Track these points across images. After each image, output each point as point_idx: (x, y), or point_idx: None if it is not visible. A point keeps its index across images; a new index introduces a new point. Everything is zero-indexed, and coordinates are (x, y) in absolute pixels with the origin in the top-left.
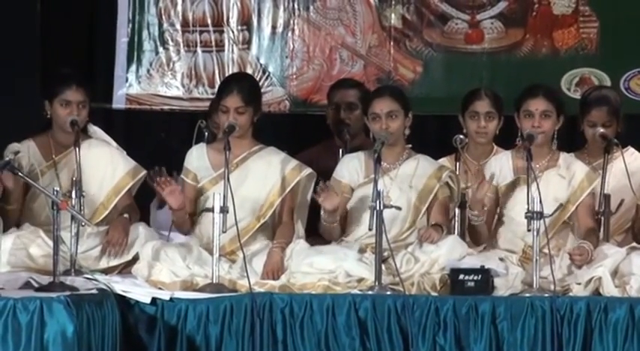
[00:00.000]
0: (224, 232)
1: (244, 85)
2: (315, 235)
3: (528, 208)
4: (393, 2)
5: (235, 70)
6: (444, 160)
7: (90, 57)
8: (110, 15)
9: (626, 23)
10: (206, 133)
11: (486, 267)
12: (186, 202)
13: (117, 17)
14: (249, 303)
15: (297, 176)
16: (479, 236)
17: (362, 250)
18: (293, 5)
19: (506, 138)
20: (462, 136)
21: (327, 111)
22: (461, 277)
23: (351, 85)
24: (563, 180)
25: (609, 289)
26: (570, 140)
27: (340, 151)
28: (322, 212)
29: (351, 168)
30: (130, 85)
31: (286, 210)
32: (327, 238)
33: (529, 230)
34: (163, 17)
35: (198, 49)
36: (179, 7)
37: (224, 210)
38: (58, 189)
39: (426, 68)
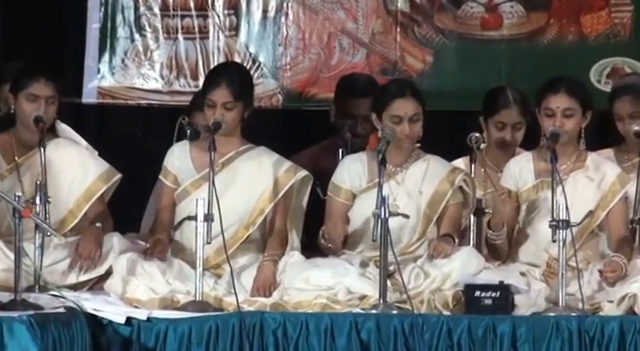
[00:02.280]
0: (208, 243)
1: (235, 77)
2: (312, 249)
3: (553, 216)
4: None
5: (221, 59)
6: (458, 162)
7: (58, 45)
8: None
9: None
10: (188, 131)
11: (505, 283)
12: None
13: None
14: (237, 323)
15: (291, 179)
16: (499, 253)
17: (364, 264)
18: None
19: (528, 136)
20: (477, 135)
21: (332, 108)
22: (477, 294)
23: (363, 94)
24: (591, 183)
25: None
26: (604, 138)
27: (340, 151)
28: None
29: (352, 171)
30: (103, 77)
31: (279, 217)
32: (327, 253)
33: (554, 241)
34: (140, 0)
35: (180, 36)
36: None
37: (208, 218)
38: (21, 194)
39: (436, 58)
